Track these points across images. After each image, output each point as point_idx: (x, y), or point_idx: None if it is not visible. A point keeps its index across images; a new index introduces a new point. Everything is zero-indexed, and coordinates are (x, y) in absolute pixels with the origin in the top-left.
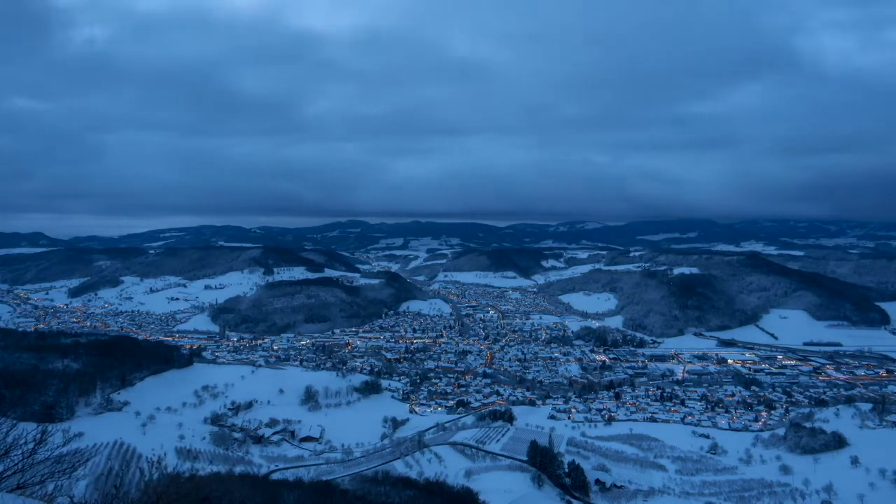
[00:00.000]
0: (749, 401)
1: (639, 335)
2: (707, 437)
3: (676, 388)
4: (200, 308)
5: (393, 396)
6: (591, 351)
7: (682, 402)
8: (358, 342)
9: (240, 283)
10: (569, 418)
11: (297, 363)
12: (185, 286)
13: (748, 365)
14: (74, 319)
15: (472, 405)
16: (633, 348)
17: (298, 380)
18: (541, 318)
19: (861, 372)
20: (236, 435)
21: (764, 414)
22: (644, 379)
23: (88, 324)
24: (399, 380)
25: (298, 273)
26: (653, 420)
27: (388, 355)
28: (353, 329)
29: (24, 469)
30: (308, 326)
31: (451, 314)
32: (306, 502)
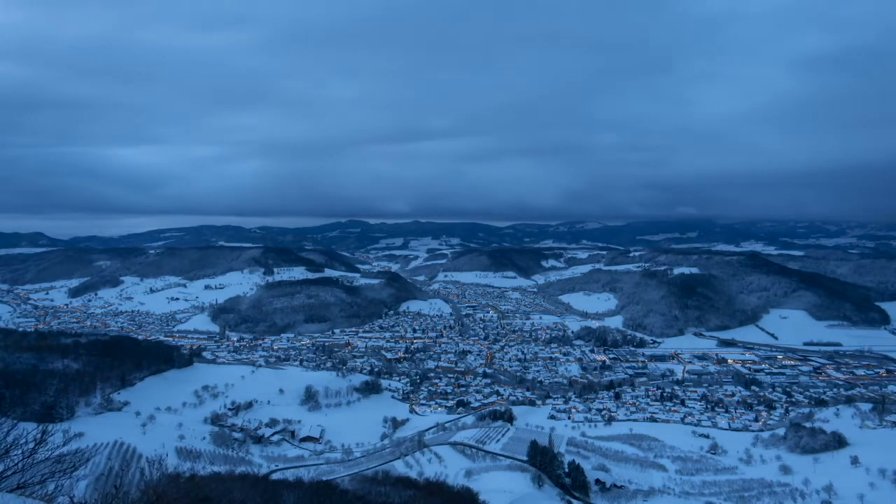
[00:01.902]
0: (749, 401)
1: (639, 335)
2: (707, 437)
3: (676, 388)
4: (200, 308)
5: (393, 396)
6: (591, 351)
7: (682, 402)
8: (358, 342)
9: (240, 283)
10: (569, 418)
11: (297, 363)
12: (185, 286)
13: (748, 365)
14: (74, 319)
15: (472, 405)
16: (633, 348)
17: (298, 380)
18: (541, 318)
19: (861, 372)
20: (236, 435)
21: (764, 414)
22: (644, 379)
23: (88, 324)
24: (399, 380)
25: (298, 273)
26: (653, 420)
27: (388, 355)
28: (353, 329)
29: (25, 469)
30: (308, 326)
31: (451, 314)
32: (306, 502)
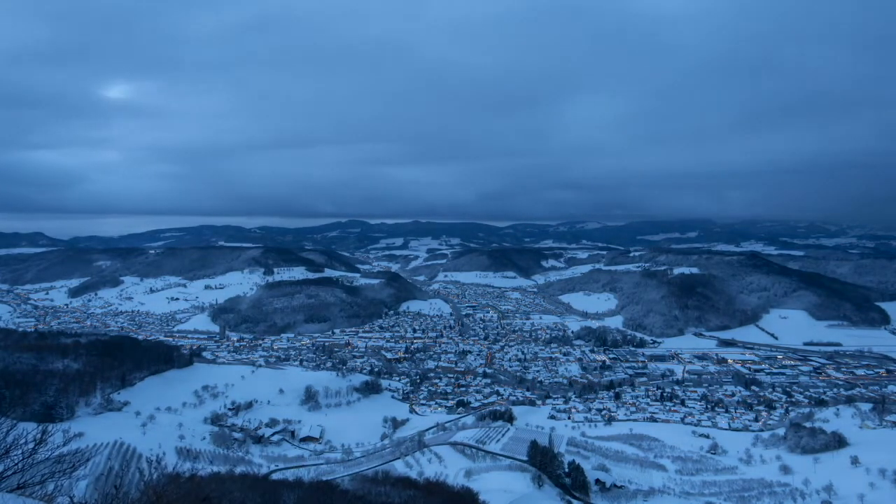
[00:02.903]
0: (749, 401)
1: (639, 335)
2: (707, 436)
3: (676, 388)
4: (200, 308)
5: (393, 396)
6: (591, 351)
7: (682, 402)
8: (358, 342)
9: (240, 283)
10: (569, 418)
11: (297, 363)
12: (185, 286)
13: (748, 365)
14: (74, 319)
15: (472, 405)
16: (633, 348)
17: (298, 380)
18: (541, 318)
19: (861, 372)
20: (236, 435)
21: (764, 414)
22: (644, 379)
23: (88, 324)
24: (399, 380)
25: (298, 273)
26: (653, 420)
27: (388, 355)
28: (353, 329)
29: (25, 469)
30: (308, 326)
31: (451, 314)
32: (306, 502)
